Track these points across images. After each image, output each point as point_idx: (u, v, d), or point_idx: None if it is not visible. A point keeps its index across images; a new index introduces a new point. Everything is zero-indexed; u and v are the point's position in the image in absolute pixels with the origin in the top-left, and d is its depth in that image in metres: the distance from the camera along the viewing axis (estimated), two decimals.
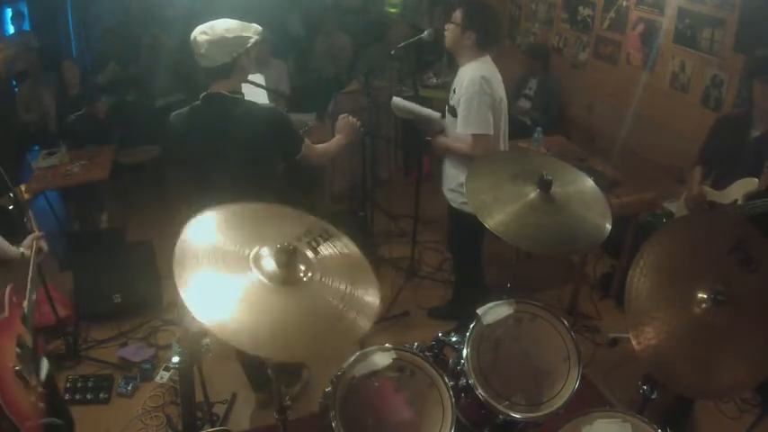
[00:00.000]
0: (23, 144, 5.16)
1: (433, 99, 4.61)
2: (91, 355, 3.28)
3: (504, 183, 2.06)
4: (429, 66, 5.62)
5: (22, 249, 2.33)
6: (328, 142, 2.60)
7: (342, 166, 4.70)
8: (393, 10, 5.95)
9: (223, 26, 2.17)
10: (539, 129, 3.93)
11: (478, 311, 2.05)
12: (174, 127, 2.32)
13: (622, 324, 2.76)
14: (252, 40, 2.22)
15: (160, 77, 5.39)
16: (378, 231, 4.28)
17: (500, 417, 1.90)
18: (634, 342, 1.63)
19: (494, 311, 2.05)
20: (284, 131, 2.35)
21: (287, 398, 1.78)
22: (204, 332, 1.70)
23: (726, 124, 2.86)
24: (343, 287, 1.47)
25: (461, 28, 2.71)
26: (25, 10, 6.29)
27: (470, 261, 3.22)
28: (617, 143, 4.21)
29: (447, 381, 1.83)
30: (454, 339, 2.11)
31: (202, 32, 2.16)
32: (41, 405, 1.84)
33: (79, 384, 3.02)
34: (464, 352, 1.97)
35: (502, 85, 2.78)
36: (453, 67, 3.07)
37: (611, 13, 4.32)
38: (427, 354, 1.96)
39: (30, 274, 2.22)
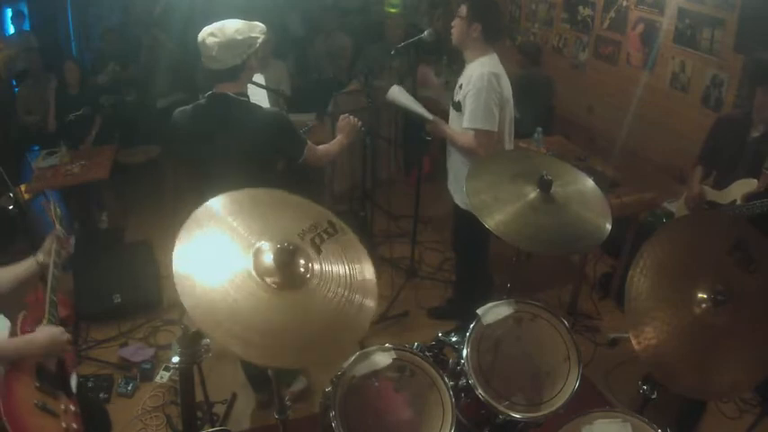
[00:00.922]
0: (23, 144, 5.16)
1: (432, 98, 4.62)
2: (91, 355, 3.28)
3: (504, 182, 2.06)
4: (429, 65, 5.62)
5: (39, 256, 2.00)
6: (329, 143, 2.59)
7: (342, 166, 4.70)
8: (393, 10, 5.94)
9: (232, 27, 2.16)
10: (539, 129, 3.93)
11: (478, 311, 2.05)
12: (177, 124, 2.32)
13: (622, 324, 2.78)
14: (259, 41, 2.22)
15: (160, 78, 5.39)
16: (378, 231, 4.28)
17: (500, 417, 1.90)
18: (634, 342, 1.63)
19: (494, 311, 2.05)
20: (287, 136, 2.34)
21: (287, 398, 1.78)
22: (204, 332, 1.70)
23: (726, 124, 2.87)
24: (341, 290, 1.45)
25: (467, 21, 2.71)
26: (25, 10, 6.30)
27: (478, 261, 3.21)
28: (617, 143, 4.21)
29: (447, 381, 1.83)
30: (454, 339, 2.11)
31: (211, 35, 2.14)
32: (75, 426, 1.75)
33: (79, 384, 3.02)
34: (464, 352, 1.97)
35: (509, 84, 2.78)
36: (453, 68, 3.07)
37: (611, 13, 4.32)
38: (427, 354, 1.95)
39: (48, 285, 1.95)
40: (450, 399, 1.78)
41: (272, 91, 3.17)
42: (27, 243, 2.70)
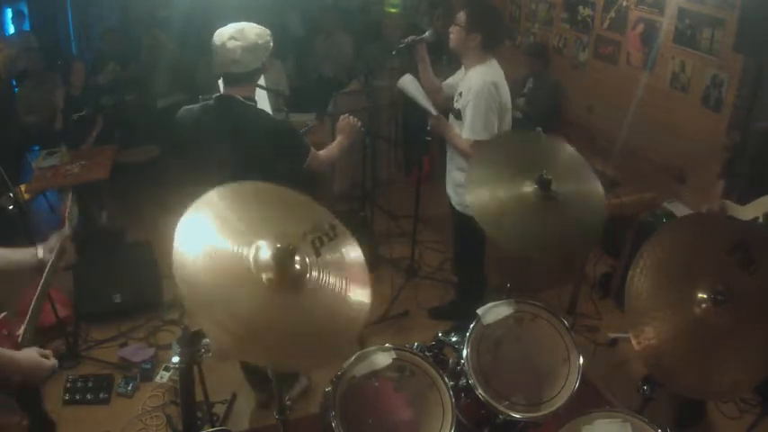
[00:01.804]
0: (23, 144, 5.17)
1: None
2: (91, 355, 3.28)
3: (503, 182, 2.05)
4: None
5: (39, 251, 1.81)
6: (330, 146, 2.58)
7: (342, 166, 4.70)
8: (393, 10, 5.94)
9: (253, 31, 2.19)
10: (539, 129, 3.92)
11: (478, 311, 2.05)
12: (182, 120, 2.31)
13: (622, 324, 2.77)
14: (271, 44, 2.26)
15: (160, 78, 5.40)
16: (378, 231, 4.28)
17: (500, 417, 1.90)
18: (634, 342, 1.63)
19: (494, 311, 2.05)
20: (291, 144, 2.35)
21: (287, 398, 1.78)
22: (204, 332, 1.70)
23: (758, 139, 2.79)
24: (336, 292, 1.45)
25: (466, 30, 2.70)
26: (25, 10, 6.29)
27: (474, 262, 3.21)
28: (617, 143, 4.20)
29: (447, 381, 1.83)
30: (454, 339, 2.11)
31: (232, 38, 2.15)
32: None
33: (79, 384, 3.02)
34: (464, 352, 1.97)
35: (508, 92, 2.78)
36: (454, 68, 3.06)
37: (611, 13, 4.31)
38: (427, 354, 1.96)
39: (38, 289, 1.78)
40: (451, 399, 1.78)
41: (271, 91, 3.16)
42: (27, 243, 2.71)
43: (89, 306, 3.51)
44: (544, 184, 1.98)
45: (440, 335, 2.15)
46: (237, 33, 2.16)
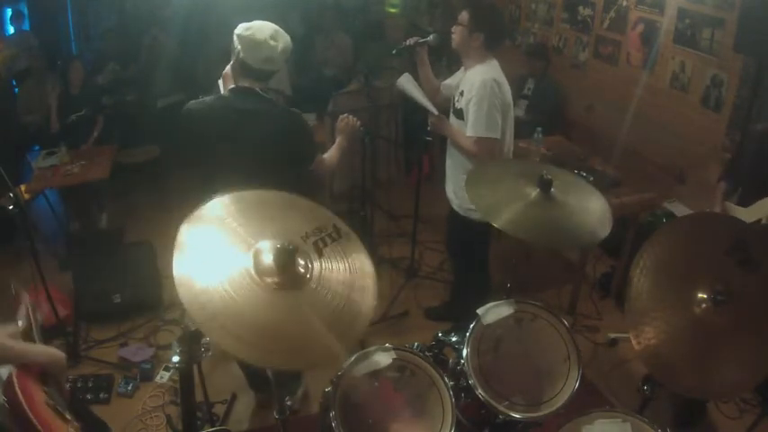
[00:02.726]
0: (23, 144, 5.17)
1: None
2: (91, 355, 3.27)
3: (504, 185, 2.06)
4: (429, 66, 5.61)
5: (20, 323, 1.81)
6: (331, 150, 2.58)
7: (342, 166, 4.69)
8: (393, 10, 5.94)
9: (284, 35, 2.24)
10: (539, 129, 3.93)
11: (478, 311, 2.05)
12: (193, 112, 2.28)
13: (622, 324, 2.77)
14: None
15: (160, 78, 5.40)
16: (378, 231, 4.28)
17: (500, 417, 1.90)
18: (634, 342, 1.63)
19: (494, 311, 2.05)
20: (305, 137, 2.38)
21: (287, 398, 1.78)
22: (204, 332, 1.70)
23: (761, 139, 2.78)
24: (340, 293, 1.45)
25: (469, 29, 2.70)
26: (25, 10, 6.29)
27: (479, 264, 3.18)
28: (617, 143, 4.20)
29: (447, 381, 1.83)
30: (454, 339, 2.11)
31: (272, 38, 2.19)
32: None
33: (79, 384, 3.02)
34: (464, 352, 1.97)
35: (509, 89, 2.77)
36: (454, 69, 3.06)
37: (612, 13, 4.32)
38: (427, 354, 1.96)
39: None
40: (451, 399, 1.78)
41: (273, 91, 3.17)
42: (27, 243, 2.71)
43: (89, 306, 3.50)
44: (545, 185, 1.98)
45: (440, 335, 2.15)
46: (275, 33, 2.21)
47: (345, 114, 2.64)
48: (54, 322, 3.10)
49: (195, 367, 1.89)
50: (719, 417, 2.88)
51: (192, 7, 5.59)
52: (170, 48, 5.53)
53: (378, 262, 3.90)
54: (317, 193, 4.81)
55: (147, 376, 3.11)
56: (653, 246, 1.73)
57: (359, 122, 2.64)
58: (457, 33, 2.76)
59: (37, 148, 4.96)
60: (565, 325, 2.03)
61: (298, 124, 2.33)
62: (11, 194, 2.48)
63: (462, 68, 2.89)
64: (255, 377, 2.85)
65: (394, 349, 1.86)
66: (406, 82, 2.95)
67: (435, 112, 2.91)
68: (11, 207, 2.50)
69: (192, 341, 1.73)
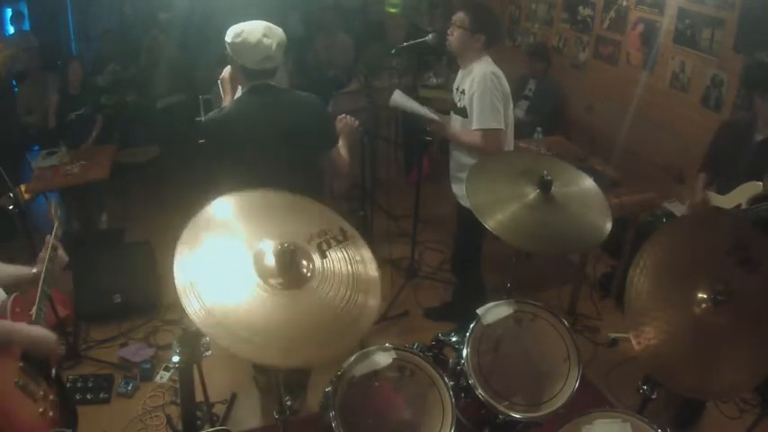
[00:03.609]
0: (23, 144, 5.16)
1: (432, 99, 4.61)
2: (91, 355, 3.28)
3: (504, 183, 2.06)
4: (429, 66, 5.62)
5: (34, 269, 1.96)
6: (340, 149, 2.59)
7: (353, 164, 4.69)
8: (393, 10, 5.94)
9: (277, 29, 2.26)
10: (539, 129, 3.93)
11: (478, 311, 2.05)
12: (218, 123, 2.28)
13: (622, 324, 2.77)
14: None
15: (160, 78, 5.40)
16: (378, 231, 4.28)
17: (500, 417, 1.90)
18: (634, 342, 1.63)
19: (494, 311, 2.05)
20: (327, 121, 2.48)
21: (287, 398, 1.78)
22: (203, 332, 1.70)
23: (730, 129, 2.85)
24: (343, 293, 1.46)
25: (470, 31, 2.73)
26: (25, 10, 6.29)
27: (472, 261, 3.21)
28: (617, 143, 4.21)
29: (447, 381, 1.83)
30: (454, 339, 2.11)
31: (265, 36, 2.20)
32: (51, 414, 1.73)
33: (79, 384, 3.02)
34: (464, 352, 1.97)
35: (507, 83, 2.80)
36: (455, 68, 3.06)
37: (612, 13, 4.32)
38: (427, 354, 1.96)
39: (41, 277, 1.90)
40: (451, 399, 1.78)
41: None
42: (27, 243, 2.71)
43: (89, 306, 3.50)
44: (545, 186, 1.98)
45: (440, 335, 2.15)
46: (267, 31, 2.22)
47: (343, 115, 2.65)
48: (54, 322, 3.09)
49: (195, 367, 1.90)
50: (719, 417, 2.87)
51: (192, 8, 5.59)
52: (170, 49, 5.53)
53: (378, 262, 3.89)
54: (323, 191, 4.82)
55: (147, 376, 3.11)
56: (653, 246, 1.72)
57: (357, 122, 2.64)
58: (456, 37, 2.77)
59: (37, 148, 4.96)
60: (565, 325, 2.03)
61: (320, 105, 2.44)
62: (11, 194, 2.48)
63: (460, 71, 2.90)
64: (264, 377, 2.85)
65: (394, 349, 1.86)
66: (399, 98, 2.97)
67: (435, 117, 2.91)
68: (11, 207, 2.50)
69: (192, 341, 1.73)
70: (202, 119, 2.34)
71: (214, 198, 1.51)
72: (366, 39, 5.76)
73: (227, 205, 1.51)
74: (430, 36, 3.05)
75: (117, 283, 3.56)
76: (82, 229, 4.60)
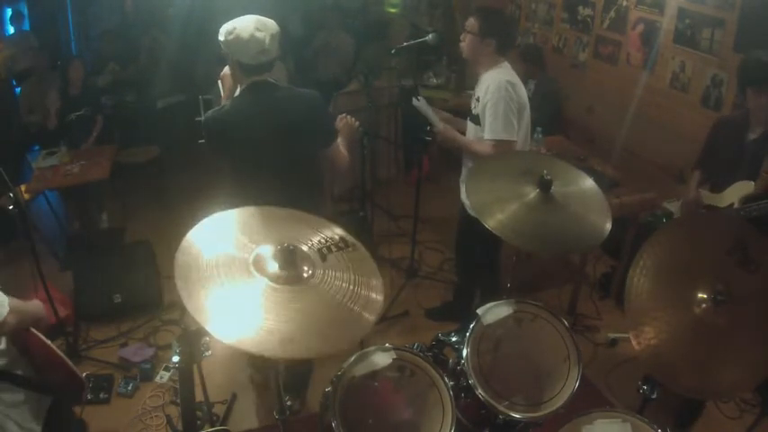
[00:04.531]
0: (23, 144, 5.16)
1: (433, 99, 4.61)
2: (91, 355, 3.28)
3: (504, 183, 2.06)
4: (429, 66, 5.62)
5: None
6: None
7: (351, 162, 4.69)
8: (393, 10, 5.95)
9: (269, 21, 2.25)
10: (539, 129, 3.92)
11: (478, 311, 2.05)
12: (218, 122, 2.28)
13: (622, 324, 2.78)
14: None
15: (160, 78, 5.40)
16: (378, 231, 4.28)
17: (500, 417, 1.90)
18: (634, 342, 1.63)
19: (494, 311, 2.05)
20: (327, 117, 2.48)
21: (287, 398, 1.78)
22: (204, 332, 1.71)
23: (723, 127, 2.85)
24: (345, 288, 1.47)
25: (480, 36, 2.69)
26: (25, 10, 6.29)
27: (488, 266, 3.16)
28: (617, 143, 4.20)
29: (447, 381, 1.83)
30: (454, 339, 2.11)
31: (257, 30, 2.19)
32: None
33: None
34: (464, 352, 1.97)
35: (524, 90, 2.77)
36: (454, 69, 3.06)
37: (612, 13, 4.32)
38: (427, 354, 1.95)
39: None
40: (451, 399, 1.78)
41: None
42: (27, 243, 2.71)
43: (89, 306, 3.51)
44: (545, 186, 1.98)
45: (440, 335, 2.15)
46: (259, 24, 2.21)
47: (343, 114, 2.64)
48: (54, 322, 3.09)
49: (195, 367, 1.90)
50: (719, 417, 2.88)
51: (192, 8, 5.59)
52: (170, 48, 5.53)
53: (378, 262, 3.89)
54: (318, 193, 4.82)
55: (147, 376, 3.11)
56: (653, 246, 1.72)
57: (357, 122, 2.64)
58: (468, 42, 2.73)
59: (37, 148, 4.96)
60: (565, 325, 2.03)
61: (319, 101, 2.40)
62: (11, 194, 2.48)
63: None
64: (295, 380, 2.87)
65: (394, 349, 1.86)
66: (422, 105, 2.92)
67: (440, 126, 2.88)
68: (11, 207, 2.50)
69: (192, 341, 1.73)
70: (202, 119, 2.33)
71: (222, 202, 1.54)
72: (366, 39, 5.76)
73: (228, 217, 1.54)
74: (430, 36, 3.04)
75: (117, 283, 3.56)
76: (82, 229, 4.60)
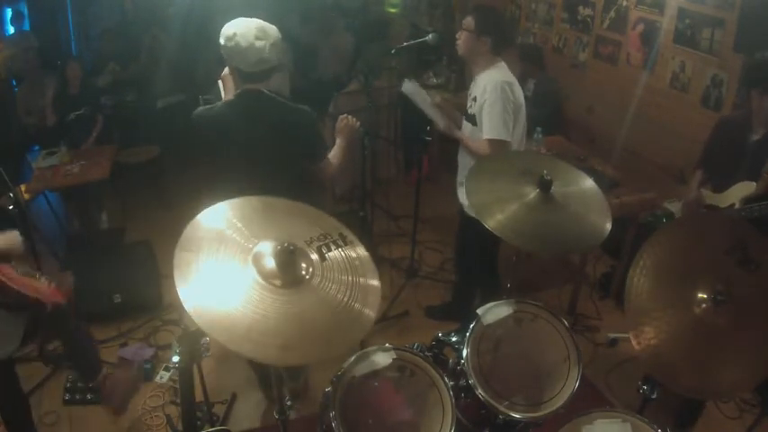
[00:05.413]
0: (23, 144, 5.16)
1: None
2: None
3: (504, 183, 2.06)
4: (429, 66, 5.62)
5: None
6: (333, 150, 2.58)
7: (343, 167, 4.69)
8: (393, 10, 5.95)
9: (271, 28, 2.23)
10: (539, 129, 3.92)
11: (478, 311, 2.05)
12: (204, 119, 2.29)
13: (622, 324, 2.77)
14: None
15: (160, 78, 5.39)
16: (378, 231, 4.28)
17: (500, 417, 1.90)
18: (634, 342, 1.63)
19: (494, 311, 2.05)
20: (315, 135, 2.41)
21: (287, 398, 1.78)
22: (204, 332, 1.71)
23: (725, 127, 2.85)
24: (341, 296, 1.46)
25: (475, 34, 2.70)
26: (25, 10, 6.29)
27: (487, 263, 3.16)
28: (617, 143, 4.20)
29: (447, 381, 1.83)
30: (454, 339, 2.10)
31: (257, 38, 2.18)
32: (54, 284, 2.31)
33: (79, 384, 3.01)
34: (464, 352, 1.97)
35: (521, 91, 2.77)
36: (454, 68, 3.06)
37: (612, 13, 4.32)
38: (427, 354, 1.95)
39: None
40: (451, 399, 1.78)
41: (272, 93, 3.16)
42: (27, 243, 2.71)
43: (89, 306, 3.50)
44: (545, 186, 1.98)
45: (440, 335, 2.15)
46: (260, 32, 2.19)
47: (345, 115, 2.64)
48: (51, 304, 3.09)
49: (195, 367, 1.90)
50: (719, 417, 2.88)
51: (193, 7, 5.59)
52: (170, 48, 5.52)
53: (378, 262, 3.90)
54: (322, 195, 4.82)
55: (147, 376, 3.11)
56: (653, 246, 1.72)
57: (358, 123, 2.64)
58: (463, 40, 2.75)
59: (37, 148, 4.95)
60: (565, 325, 2.03)
61: (308, 119, 2.36)
62: (11, 194, 2.48)
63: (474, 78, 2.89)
64: (267, 376, 2.85)
65: (394, 349, 1.86)
66: (411, 87, 2.93)
67: (438, 120, 2.89)
68: (11, 207, 2.51)
69: (192, 341, 1.73)
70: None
71: (210, 200, 1.52)
72: (366, 39, 5.76)
73: (226, 210, 1.52)
74: (430, 36, 3.04)
75: (117, 283, 3.56)
76: (82, 229, 4.60)
